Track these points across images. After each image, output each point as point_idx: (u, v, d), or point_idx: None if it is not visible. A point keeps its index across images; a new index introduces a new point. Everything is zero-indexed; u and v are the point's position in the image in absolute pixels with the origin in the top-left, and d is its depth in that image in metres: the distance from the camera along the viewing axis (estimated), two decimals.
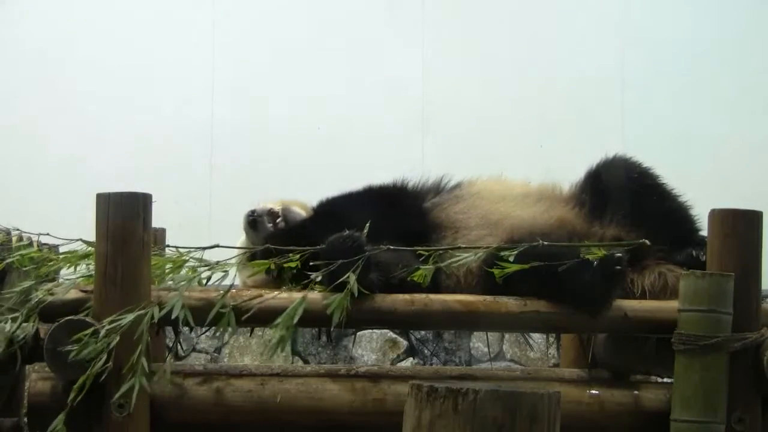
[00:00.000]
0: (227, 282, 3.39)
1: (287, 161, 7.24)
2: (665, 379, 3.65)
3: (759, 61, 7.55)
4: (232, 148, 7.34)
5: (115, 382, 3.17)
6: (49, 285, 3.39)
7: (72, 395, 3.11)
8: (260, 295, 3.30)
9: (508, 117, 7.44)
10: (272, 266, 3.41)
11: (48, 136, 7.25)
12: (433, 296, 3.41)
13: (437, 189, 4.00)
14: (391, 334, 6.93)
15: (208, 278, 3.41)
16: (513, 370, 5.13)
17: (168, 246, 3.59)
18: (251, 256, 3.61)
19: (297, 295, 3.29)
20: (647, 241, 3.47)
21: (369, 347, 6.93)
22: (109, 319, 3.16)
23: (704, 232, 3.57)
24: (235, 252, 3.56)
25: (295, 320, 3.21)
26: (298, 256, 3.39)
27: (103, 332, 3.12)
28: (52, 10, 7.37)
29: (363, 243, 3.35)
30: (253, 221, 3.75)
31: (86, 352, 3.10)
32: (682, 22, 7.57)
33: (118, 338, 3.13)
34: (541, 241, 3.39)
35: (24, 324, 3.29)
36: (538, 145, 7.37)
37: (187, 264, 3.42)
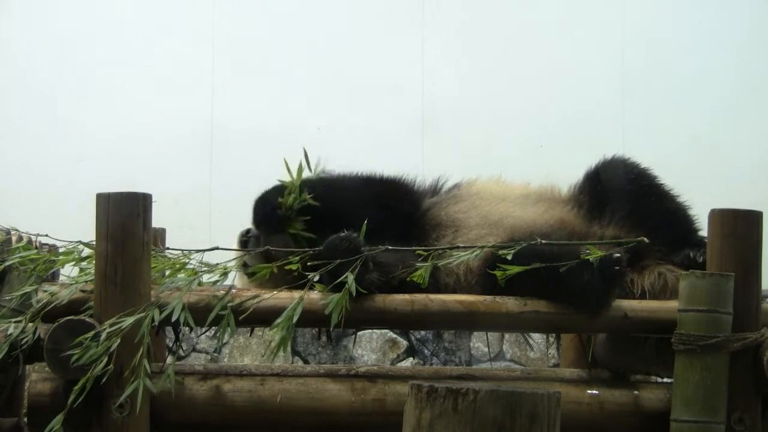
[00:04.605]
0: (227, 283, 3.39)
1: (287, 161, 7.23)
2: (665, 379, 3.65)
3: (759, 61, 7.55)
4: (232, 148, 7.34)
5: (115, 383, 3.17)
6: (52, 288, 3.38)
7: (72, 397, 3.11)
8: (259, 295, 3.30)
9: (508, 117, 7.44)
10: (275, 269, 3.41)
11: (48, 136, 7.25)
12: (433, 296, 3.41)
13: (434, 189, 4.01)
14: (391, 334, 6.93)
15: (214, 283, 3.41)
16: (513, 370, 5.12)
17: (168, 248, 3.59)
18: (245, 264, 3.62)
19: (296, 295, 3.29)
20: (645, 239, 3.48)
21: (369, 347, 6.93)
22: (110, 321, 3.16)
23: (704, 232, 3.57)
24: (235, 254, 3.58)
25: (294, 320, 3.21)
26: (297, 258, 3.39)
27: (104, 336, 3.12)
28: (53, 11, 7.37)
29: (360, 244, 3.36)
30: (245, 242, 3.76)
31: (87, 356, 3.10)
32: (682, 22, 7.57)
33: (119, 341, 3.13)
34: (539, 240, 3.40)
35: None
36: (538, 145, 7.37)
37: (187, 266, 3.42)
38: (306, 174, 3.77)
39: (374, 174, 3.96)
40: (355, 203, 3.72)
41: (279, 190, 3.72)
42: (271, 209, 3.67)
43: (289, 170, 3.73)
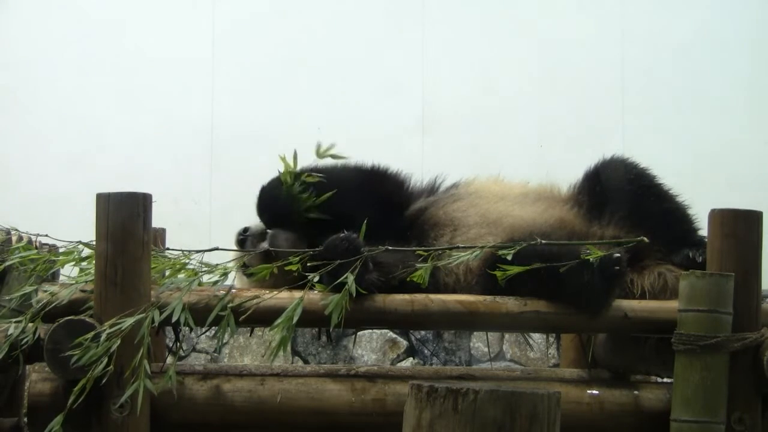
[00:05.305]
0: (227, 283, 3.39)
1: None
2: (665, 379, 3.65)
3: (759, 60, 7.55)
4: (232, 148, 7.34)
5: (116, 383, 3.17)
6: (52, 288, 3.38)
7: (72, 398, 3.11)
8: (259, 296, 3.30)
9: (507, 117, 7.44)
10: (275, 270, 3.41)
11: (49, 135, 7.26)
12: (433, 296, 3.41)
13: (432, 188, 4.01)
14: (391, 334, 6.93)
15: (214, 283, 3.40)
16: (513, 370, 5.13)
17: (168, 248, 3.59)
18: (244, 264, 3.61)
19: (296, 295, 3.29)
20: (645, 239, 3.48)
21: (369, 347, 6.93)
22: (110, 322, 3.16)
23: (704, 232, 3.57)
24: (233, 254, 3.57)
25: (294, 320, 3.21)
26: (297, 259, 3.39)
27: (104, 336, 3.12)
28: (53, 11, 7.38)
29: (360, 244, 3.35)
30: (242, 240, 3.75)
31: (87, 356, 3.10)
32: (682, 22, 7.57)
33: (119, 342, 3.13)
34: (539, 240, 3.40)
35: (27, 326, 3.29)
36: (538, 144, 7.37)
37: (187, 266, 3.42)
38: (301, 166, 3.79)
39: (367, 164, 3.96)
40: (350, 194, 3.71)
41: (279, 180, 3.73)
42: (275, 195, 3.68)
43: (285, 161, 3.74)
